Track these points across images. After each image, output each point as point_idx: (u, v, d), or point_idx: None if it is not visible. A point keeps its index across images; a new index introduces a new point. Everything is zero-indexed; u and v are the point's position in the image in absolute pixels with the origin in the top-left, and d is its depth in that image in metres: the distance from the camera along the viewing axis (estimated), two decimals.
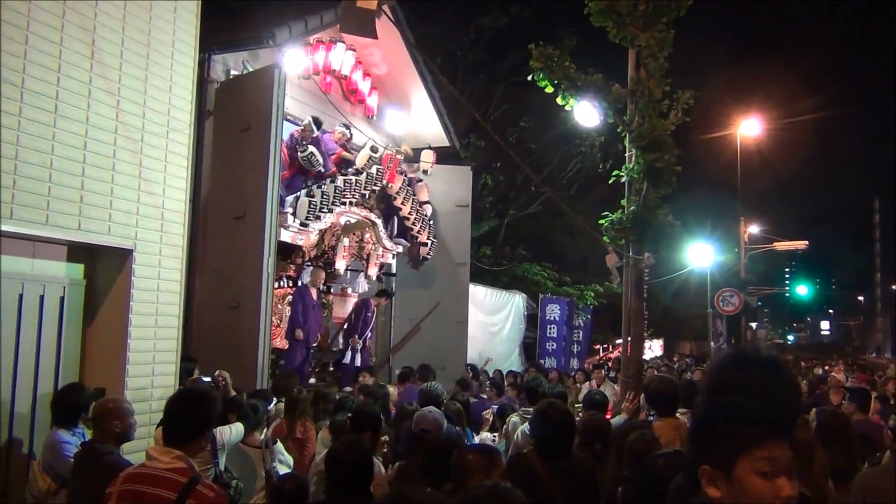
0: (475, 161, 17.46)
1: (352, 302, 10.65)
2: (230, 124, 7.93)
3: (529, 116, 19.78)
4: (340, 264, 9.93)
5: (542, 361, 17.38)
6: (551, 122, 19.05)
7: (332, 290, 10.75)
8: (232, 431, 4.54)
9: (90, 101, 5.32)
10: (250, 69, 8.45)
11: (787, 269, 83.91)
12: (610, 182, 10.25)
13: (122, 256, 5.68)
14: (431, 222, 11.14)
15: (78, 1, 5.25)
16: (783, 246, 25.76)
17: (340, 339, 10.30)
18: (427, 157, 10.89)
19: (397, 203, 10.34)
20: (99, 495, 2.80)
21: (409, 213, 10.53)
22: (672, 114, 8.77)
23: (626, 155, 9.43)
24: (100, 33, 5.42)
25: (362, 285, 11.09)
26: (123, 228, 5.59)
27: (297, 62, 8.97)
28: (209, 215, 7.91)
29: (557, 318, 18.86)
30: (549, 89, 9.21)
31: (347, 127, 9.43)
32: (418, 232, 10.80)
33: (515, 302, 18.22)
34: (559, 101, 9.33)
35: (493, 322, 16.97)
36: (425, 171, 11.50)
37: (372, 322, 10.51)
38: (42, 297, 5.33)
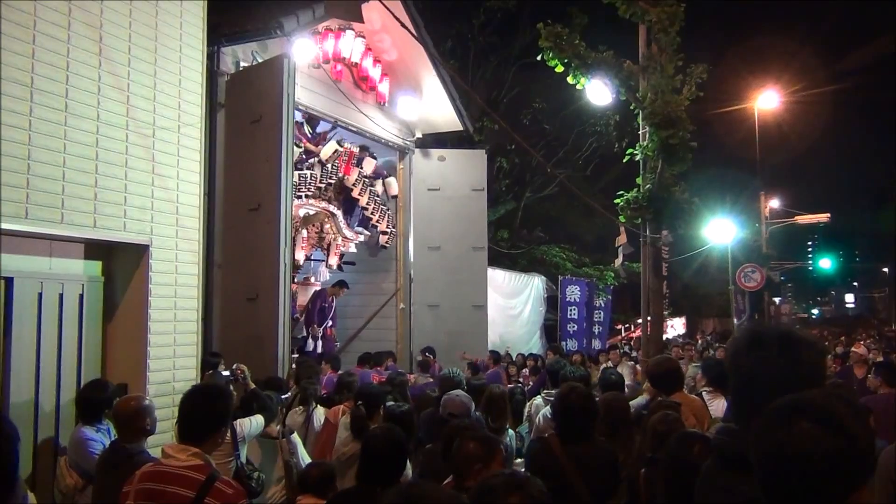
0: (489, 144, 17.37)
1: (312, 291, 10.82)
2: (241, 116, 7.91)
3: (543, 97, 19.62)
4: (299, 255, 10.00)
5: (563, 343, 17.33)
6: (565, 102, 18.89)
7: (295, 280, 10.82)
8: (252, 423, 4.54)
9: (100, 99, 5.33)
10: (260, 60, 8.41)
11: (809, 243, 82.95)
12: (625, 161, 10.17)
13: (138, 252, 5.71)
14: (390, 211, 11.38)
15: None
16: (805, 219, 25.44)
17: (304, 328, 10.48)
18: (391, 184, 11.22)
19: (355, 194, 10.47)
20: None
21: (368, 204, 10.71)
22: (685, 89, 8.67)
23: (640, 133, 9.35)
24: (107, 30, 5.41)
25: (323, 274, 11.25)
26: (139, 224, 5.61)
27: (306, 51, 8.92)
28: (224, 208, 7.92)
29: (578, 300, 18.76)
30: (560, 69, 9.13)
31: (308, 121, 9.45)
32: (378, 221, 10.99)
33: (534, 284, 18.14)
34: (570, 80, 9.26)
35: (512, 305, 16.91)
36: (441, 158, 11.57)
37: (332, 311, 10.68)
38: (61, 296, 5.37)
